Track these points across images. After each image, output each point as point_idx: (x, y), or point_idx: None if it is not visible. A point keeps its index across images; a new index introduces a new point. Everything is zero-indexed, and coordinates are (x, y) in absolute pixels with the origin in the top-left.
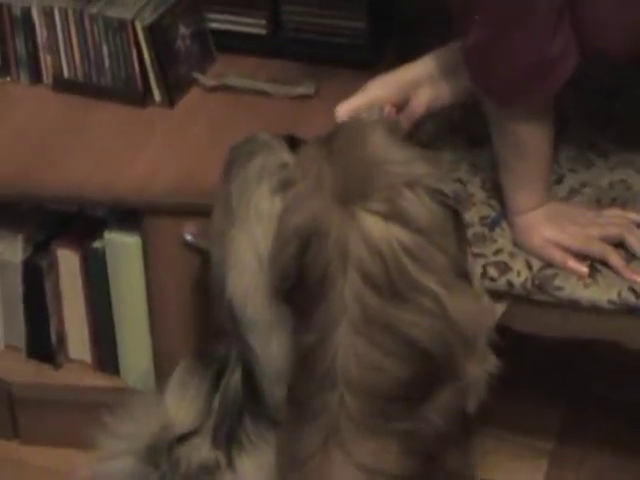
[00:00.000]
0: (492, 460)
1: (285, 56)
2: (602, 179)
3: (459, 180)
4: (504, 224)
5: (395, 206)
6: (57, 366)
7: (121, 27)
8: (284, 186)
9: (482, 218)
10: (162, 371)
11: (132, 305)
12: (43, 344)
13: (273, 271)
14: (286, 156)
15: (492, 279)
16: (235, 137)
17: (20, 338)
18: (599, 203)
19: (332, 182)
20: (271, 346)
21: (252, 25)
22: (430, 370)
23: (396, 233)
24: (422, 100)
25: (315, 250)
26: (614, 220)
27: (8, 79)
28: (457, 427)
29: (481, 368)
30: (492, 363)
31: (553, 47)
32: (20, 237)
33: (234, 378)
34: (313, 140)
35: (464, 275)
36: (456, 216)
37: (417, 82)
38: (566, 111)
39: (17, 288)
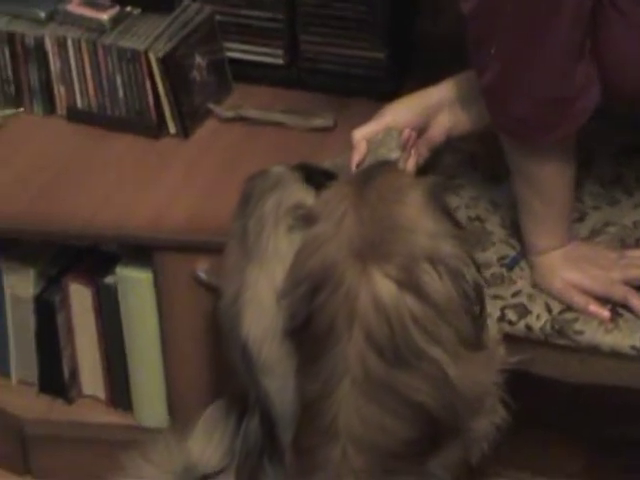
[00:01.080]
0: None
1: (303, 86)
2: (626, 218)
3: (478, 218)
4: (523, 264)
5: (412, 277)
6: (70, 401)
7: (134, 58)
8: (306, 221)
9: (501, 258)
10: (175, 409)
11: (145, 342)
12: (55, 379)
13: (283, 307)
14: (301, 192)
15: (510, 322)
16: (250, 170)
17: (33, 373)
18: (623, 243)
19: (353, 232)
20: (287, 391)
21: (270, 55)
22: (435, 430)
23: (408, 302)
24: (442, 126)
25: (325, 298)
26: (637, 262)
27: (22, 109)
28: (462, 478)
29: (487, 422)
30: (500, 415)
31: (572, 83)
32: (32, 272)
33: (254, 420)
34: (347, 178)
35: (474, 346)
36: (475, 299)
37: (437, 107)
38: (591, 145)
39: (29, 323)
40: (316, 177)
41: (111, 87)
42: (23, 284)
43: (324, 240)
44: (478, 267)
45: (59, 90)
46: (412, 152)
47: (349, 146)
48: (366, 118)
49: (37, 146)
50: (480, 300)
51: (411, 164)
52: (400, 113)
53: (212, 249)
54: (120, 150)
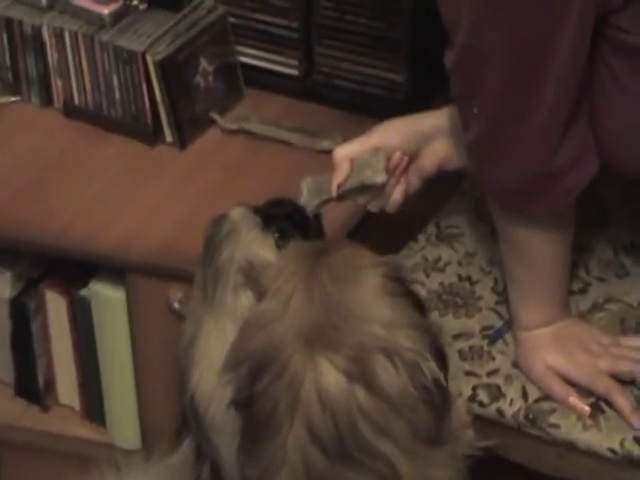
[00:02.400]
0: None
1: (317, 100)
2: (632, 294)
3: (469, 278)
4: (509, 337)
5: (364, 369)
6: (45, 409)
7: (131, 59)
8: (254, 292)
9: (484, 328)
10: (148, 431)
11: (118, 360)
12: (31, 385)
13: (225, 381)
14: (255, 245)
15: (481, 404)
16: (247, 189)
17: (9, 375)
18: (622, 324)
19: (302, 315)
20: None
21: (285, 64)
22: None
23: (358, 396)
24: (434, 155)
25: (267, 382)
26: (630, 354)
27: (19, 98)
28: None
29: None
30: None
31: (558, 158)
32: (9, 274)
33: (206, 469)
34: (301, 248)
35: (434, 441)
36: (436, 393)
37: (430, 134)
38: (609, 205)
39: (5, 324)
40: (279, 222)
41: (108, 86)
42: (1, 285)
43: (270, 320)
44: (443, 359)
45: (56, 83)
46: (401, 179)
47: None
48: None
49: (28, 139)
50: (442, 395)
51: (399, 192)
52: (389, 135)
53: (188, 278)
54: (112, 154)
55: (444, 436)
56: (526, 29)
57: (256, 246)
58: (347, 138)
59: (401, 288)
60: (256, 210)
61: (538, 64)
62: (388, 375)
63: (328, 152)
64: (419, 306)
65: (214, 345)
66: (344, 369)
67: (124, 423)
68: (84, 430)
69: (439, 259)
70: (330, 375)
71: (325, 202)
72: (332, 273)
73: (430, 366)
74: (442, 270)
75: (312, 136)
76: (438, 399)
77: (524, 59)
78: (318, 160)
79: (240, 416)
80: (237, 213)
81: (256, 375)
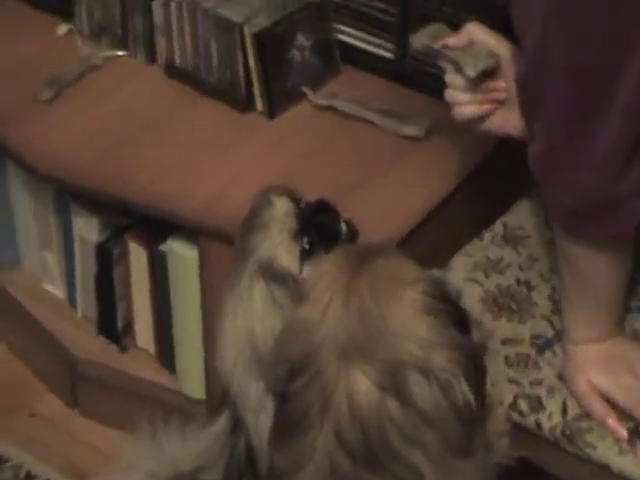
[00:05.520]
0: None
1: (407, 84)
2: None
3: (527, 283)
4: (558, 348)
5: (397, 382)
6: (123, 349)
7: (229, 29)
8: (295, 297)
9: (534, 336)
10: (212, 381)
11: (188, 311)
12: (111, 325)
13: (266, 374)
14: (281, 249)
15: (521, 413)
16: (327, 165)
17: (94, 312)
18: None
19: (339, 325)
20: (261, 427)
21: (380, 46)
22: None
23: (389, 407)
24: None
25: (302, 384)
26: None
27: (126, 53)
28: None
29: None
30: None
31: (621, 186)
32: (95, 221)
33: (242, 439)
34: (344, 253)
35: (464, 453)
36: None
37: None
38: None
39: (91, 267)
40: (313, 234)
41: (207, 51)
42: (89, 229)
43: (308, 327)
44: (481, 373)
45: (160, 42)
46: (485, 105)
47: (435, 160)
48: (460, 132)
49: (130, 92)
50: (473, 413)
51: (472, 110)
52: (511, 60)
53: None
54: (204, 116)
55: (475, 447)
56: (595, 50)
57: (281, 251)
58: (433, 125)
59: (442, 305)
60: (300, 210)
61: (606, 86)
62: (421, 390)
63: (412, 138)
64: (460, 322)
65: (230, 327)
66: (377, 381)
67: (192, 372)
68: (156, 374)
69: (501, 260)
70: (362, 385)
71: (427, 48)
72: (371, 285)
73: (462, 388)
74: (502, 272)
75: (399, 120)
76: (469, 416)
77: (592, 79)
78: (401, 145)
79: (274, 406)
80: (280, 208)
81: (293, 376)
